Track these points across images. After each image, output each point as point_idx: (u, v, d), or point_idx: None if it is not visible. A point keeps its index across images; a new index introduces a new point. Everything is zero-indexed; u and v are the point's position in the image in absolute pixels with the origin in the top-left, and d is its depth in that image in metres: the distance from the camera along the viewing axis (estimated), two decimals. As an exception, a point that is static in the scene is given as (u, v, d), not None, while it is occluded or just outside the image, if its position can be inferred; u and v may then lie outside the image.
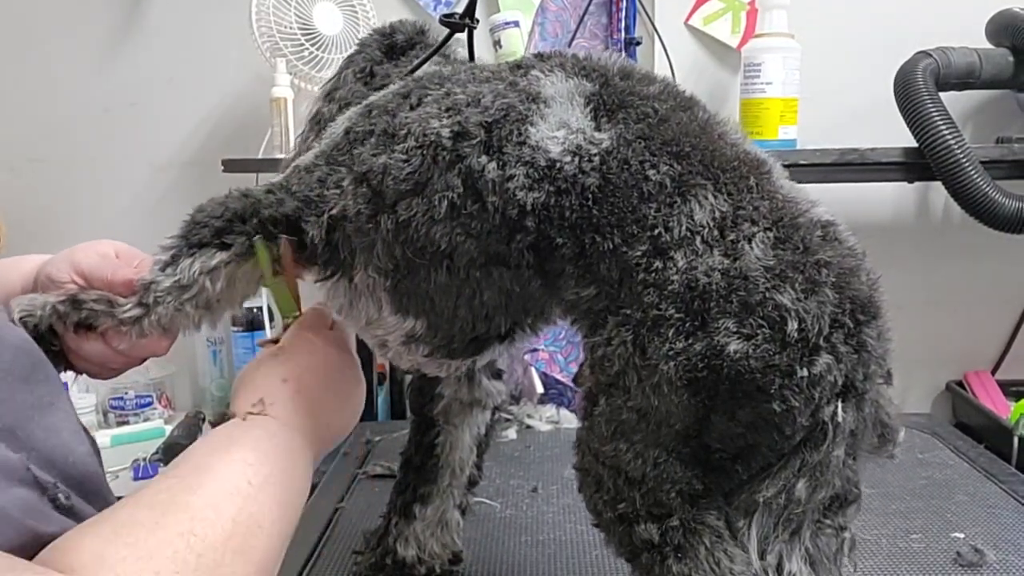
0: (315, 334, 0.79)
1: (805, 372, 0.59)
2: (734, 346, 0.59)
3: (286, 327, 0.81)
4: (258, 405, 0.69)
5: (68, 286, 0.79)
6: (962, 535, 1.13)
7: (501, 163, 0.69)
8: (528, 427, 1.62)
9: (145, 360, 0.83)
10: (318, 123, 0.95)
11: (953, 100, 1.61)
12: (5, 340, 0.61)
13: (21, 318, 0.76)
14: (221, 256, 0.76)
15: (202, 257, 0.76)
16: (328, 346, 0.79)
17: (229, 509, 0.57)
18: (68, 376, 0.81)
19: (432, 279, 0.75)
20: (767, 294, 0.60)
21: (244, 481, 0.60)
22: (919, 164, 1.55)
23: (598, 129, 0.69)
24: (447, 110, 0.73)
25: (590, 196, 0.67)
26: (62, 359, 0.80)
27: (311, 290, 0.82)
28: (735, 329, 0.60)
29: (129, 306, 0.77)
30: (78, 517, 0.57)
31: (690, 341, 0.61)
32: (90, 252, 0.82)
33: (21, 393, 0.59)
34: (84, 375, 0.83)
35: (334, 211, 0.76)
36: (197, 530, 0.54)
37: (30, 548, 0.51)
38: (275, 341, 0.80)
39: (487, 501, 1.26)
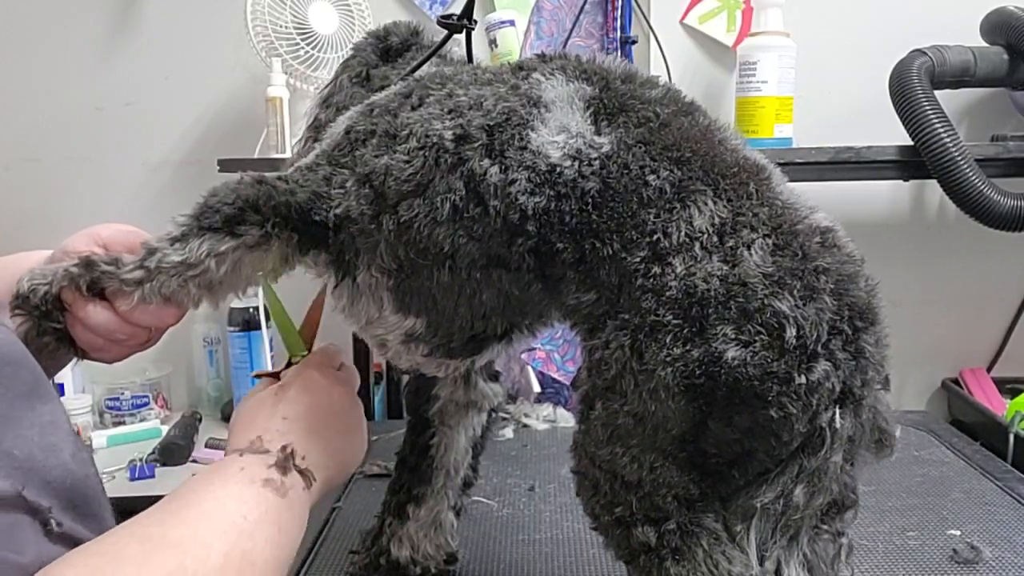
0: (321, 373, 0.79)
1: (803, 379, 0.59)
2: (732, 353, 0.59)
3: (289, 364, 0.81)
4: (256, 443, 0.69)
5: (85, 254, 0.79)
6: (958, 532, 1.13)
7: (503, 167, 0.69)
8: (525, 426, 1.62)
9: (150, 341, 0.83)
10: (316, 129, 0.95)
11: (948, 98, 1.61)
12: (7, 355, 0.61)
13: (31, 287, 0.76)
14: (230, 242, 0.76)
15: (211, 240, 0.76)
16: (333, 387, 0.78)
17: (221, 545, 0.57)
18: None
19: (434, 279, 0.74)
20: (765, 301, 0.60)
21: (239, 516, 0.60)
22: (914, 162, 1.56)
23: (598, 133, 0.69)
24: (449, 112, 0.73)
25: (590, 201, 0.67)
26: (66, 339, 0.79)
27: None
28: (733, 336, 0.60)
29: (131, 266, 0.77)
30: (71, 543, 0.56)
31: (688, 347, 0.61)
32: (112, 226, 0.84)
33: (19, 410, 0.59)
34: (89, 360, 0.82)
35: (338, 211, 0.76)
36: (188, 565, 0.53)
37: None
38: (275, 375, 0.80)
39: (484, 500, 1.26)
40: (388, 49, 1.01)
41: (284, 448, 0.69)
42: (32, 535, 0.54)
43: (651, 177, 0.66)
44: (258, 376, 0.81)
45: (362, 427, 0.81)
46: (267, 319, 1.79)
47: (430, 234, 0.72)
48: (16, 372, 0.60)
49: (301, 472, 0.69)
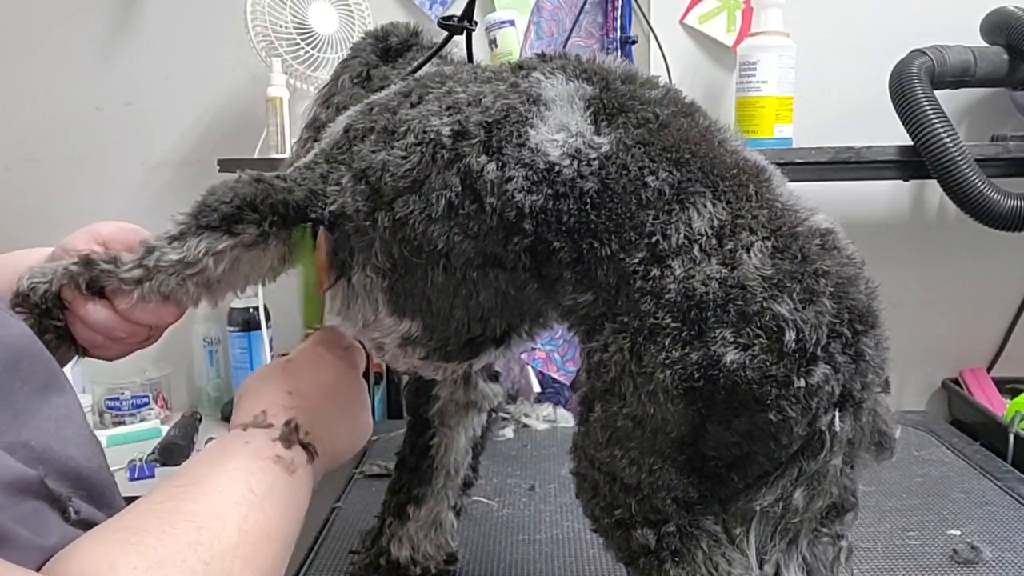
0: (328, 351, 0.79)
1: (802, 382, 0.59)
2: (731, 356, 0.59)
3: (305, 337, 0.81)
4: (260, 416, 0.69)
5: (84, 252, 0.79)
6: (958, 532, 1.13)
7: (500, 164, 0.69)
8: (525, 426, 1.63)
9: (150, 339, 0.83)
10: (316, 128, 0.95)
11: (948, 98, 1.61)
12: (23, 349, 0.61)
13: (30, 284, 0.77)
14: (228, 241, 0.76)
15: (209, 239, 0.76)
16: (339, 364, 0.79)
17: (235, 518, 0.58)
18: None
19: (429, 279, 0.74)
20: (765, 304, 0.60)
21: (247, 490, 0.60)
22: (914, 162, 1.56)
23: (598, 133, 0.69)
24: (448, 108, 0.73)
25: (588, 201, 0.67)
26: (67, 337, 0.79)
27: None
28: (732, 339, 0.59)
29: (130, 265, 0.77)
30: (90, 528, 0.57)
31: (687, 350, 0.60)
32: (112, 224, 0.84)
33: (36, 403, 0.59)
34: (89, 357, 0.83)
35: (333, 207, 0.76)
36: (204, 539, 0.54)
37: (37, 564, 0.51)
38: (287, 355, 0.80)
39: (484, 500, 1.26)
40: (388, 49, 1.01)
41: (288, 423, 0.69)
42: (54, 520, 0.55)
43: (650, 178, 0.66)
44: (281, 356, 0.81)
45: (366, 409, 0.81)
46: (267, 318, 1.79)
47: (425, 231, 0.72)
48: (32, 366, 0.61)
49: (304, 446, 0.69)
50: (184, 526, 0.55)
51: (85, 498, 0.59)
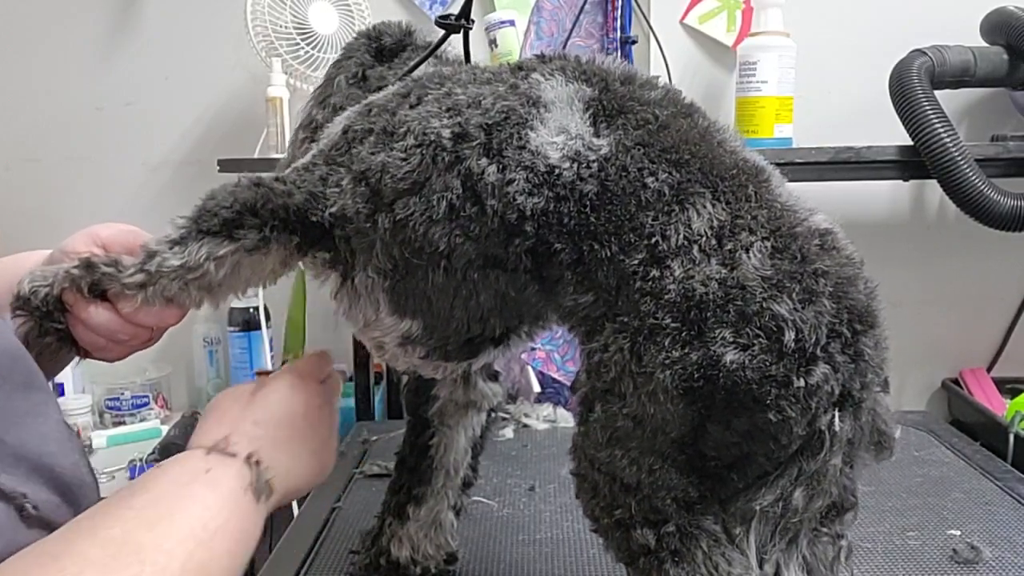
0: (303, 383, 0.78)
1: (802, 382, 0.59)
2: (730, 356, 0.59)
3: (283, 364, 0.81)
4: (222, 443, 0.69)
5: (85, 255, 0.79)
6: (958, 532, 1.13)
7: (501, 167, 0.69)
8: (525, 426, 1.62)
9: (152, 340, 0.83)
10: (312, 129, 0.95)
11: (948, 98, 1.61)
12: (3, 349, 0.61)
13: (31, 288, 0.77)
14: (229, 246, 0.76)
15: (209, 244, 0.76)
16: (311, 398, 0.78)
17: (180, 555, 0.57)
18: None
19: (429, 280, 0.74)
20: (764, 304, 0.60)
21: (200, 526, 0.60)
22: (914, 162, 1.56)
23: (597, 135, 0.69)
24: (448, 110, 0.73)
25: (588, 203, 0.67)
26: (68, 339, 0.79)
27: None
28: (732, 339, 0.59)
29: (132, 270, 0.77)
30: (49, 527, 0.57)
31: (686, 350, 0.60)
32: (111, 226, 0.84)
33: (16, 400, 0.59)
34: (90, 359, 0.83)
35: (333, 209, 0.76)
36: (147, 572, 0.54)
37: None
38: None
39: (484, 500, 1.26)
40: (382, 49, 1.01)
41: (250, 457, 0.68)
42: (7, 521, 0.55)
43: (649, 179, 0.66)
44: (260, 374, 0.81)
45: (331, 445, 0.80)
46: (267, 319, 1.79)
47: (426, 233, 0.72)
48: (13, 364, 0.61)
49: (264, 483, 0.69)
50: (127, 559, 0.54)
51: (56, 494, 0.60)
